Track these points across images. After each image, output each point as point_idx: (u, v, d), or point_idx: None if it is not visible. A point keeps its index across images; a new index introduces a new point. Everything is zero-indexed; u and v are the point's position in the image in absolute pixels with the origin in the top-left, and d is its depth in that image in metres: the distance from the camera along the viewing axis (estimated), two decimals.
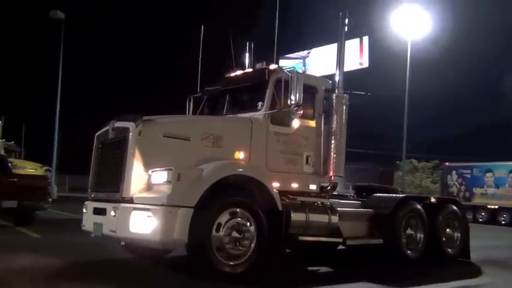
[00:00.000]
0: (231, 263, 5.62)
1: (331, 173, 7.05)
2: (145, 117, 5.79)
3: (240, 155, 6.24)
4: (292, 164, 6.71)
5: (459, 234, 8.43)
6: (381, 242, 7.31)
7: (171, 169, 5.35)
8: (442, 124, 41.70)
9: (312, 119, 7.01)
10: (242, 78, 7.21)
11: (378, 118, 40.96)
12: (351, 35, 40.73)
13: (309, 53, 50.40)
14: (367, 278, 6.15)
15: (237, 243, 5.67)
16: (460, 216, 8.58)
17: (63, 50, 23.88)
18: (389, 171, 43.68)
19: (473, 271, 7.46)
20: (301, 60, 51.96)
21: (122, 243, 5.80)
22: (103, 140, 6.27)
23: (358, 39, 43.97)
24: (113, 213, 5.60)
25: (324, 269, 7.28)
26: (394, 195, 8.45)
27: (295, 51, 50.23)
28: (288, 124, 6.65)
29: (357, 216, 7.59)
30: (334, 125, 7.08)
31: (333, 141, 7.07)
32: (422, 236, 7.81)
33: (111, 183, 5.85)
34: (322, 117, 7.08)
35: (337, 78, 7.39)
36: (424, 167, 40.51)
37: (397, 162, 36.83)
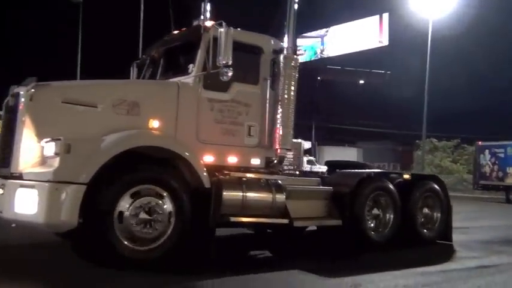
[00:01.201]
0: (143, 248, 4.87)
1: (277, 145, 6.09)
2: (41, 83, 5.01)
3: (160, 124, 5.41)
4: (231, 135, 5.84)
5: (439, 215, 7.36)
6: (340, 224, 6.28)
7: (59, 139, 4.59)
8: (464, 103, 39.52)
9: (255, 83, 6.07)
10: (177, 38, 6.34)
11: (398, 97, 39.28)
12: (371, 12, 39.55)
13: (327, 31, 49.04)
14: (307, 264, 5.23)
15: (148, 226, 4.89)
16: (440, 194, 7.47)
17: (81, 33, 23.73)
18: (409, 150, 42.23)
19: (448, 255, 6.45)
20: (320, 39, 50.66)
21: (13, 225, 5.08)
22: (5, 108, 5.53)
23: (378, 17, 42.47)
24: (0, 191, 4.90)
25: (265, 254, 6.44)
26: (359, 171, 7.25)
27: (314, 30, 48.76)
28: (224, 89, 5.77)
29: (312, 195, 6.55)
30: (281, 92, 6.08)
31: (279, 110, 6.09)
32: (392, 216, 6.71)
33: (2, 157, 5.14)
34: (268, 82, 6.09)
35: (286, 39, 6.33)
36: (444, 146, 38.88)
37: (417, 141, 35.38)
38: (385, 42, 41.35)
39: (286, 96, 6.13)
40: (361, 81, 54.31)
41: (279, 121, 6.09)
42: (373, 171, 7.34)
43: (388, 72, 48.73)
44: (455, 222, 11.30)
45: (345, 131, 45.57)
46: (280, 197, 5.85)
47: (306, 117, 44.81)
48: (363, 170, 7.33)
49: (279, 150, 6.12)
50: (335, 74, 52.60)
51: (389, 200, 6.78)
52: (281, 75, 6.13)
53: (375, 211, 6.71)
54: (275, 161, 6.15)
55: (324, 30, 47.09)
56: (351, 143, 45.69)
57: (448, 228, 7.46)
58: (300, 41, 49.89)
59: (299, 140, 32.87)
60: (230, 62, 5.30)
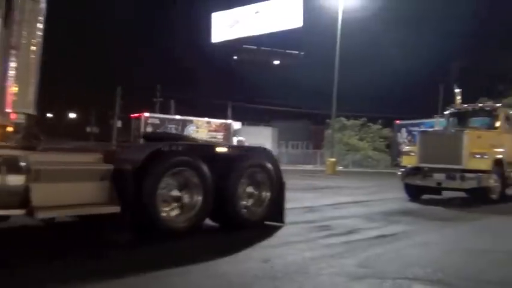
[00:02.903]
0: None
1: (10, 108, 4.71)
2: None
3: None
4: None
5: (268, 193, 6.32)
6: (117, 211, 4.83)
7: None
8: (373, 83, 42.05)
9: None
10: None
11: (311, 77, 40.54)
12: None
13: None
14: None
15: None
16: (269, 170, 6.36)
17: None
18: (321, 129, 44.07)
19: (269, 237, 5.98)
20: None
21: None
22: None
23: None
24: None
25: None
26: (151, 143, 6.26)
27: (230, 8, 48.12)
28: None
29: (80, 175, 4.91)
30: (18, 36, 4.73)
31: (13, 60, 4.69)
32: (200, 198, 5.47)
33: None
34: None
35: None
36: (352, 125, 41.12)
37: (327, 120, 36.97)
38: (299, 23, 42.44)
39: (24, 42, 4.78)
40: (276, 62, 55.18)
41: (12, 74, 4.68)
42: (173, 143, 5.71)
43: (302, 53, 49.99)
44: (359, 196, 12.22)
45: (260, 111, 46.36)
46: (16, 179, 4.30)
47: (222, 97, 44.87)
48: (156, 143, 5.75)
49: (13, 116, 4.79)
50: (251, 54, 52.87)
51: (196, 178, 5.51)
52: (18, 15, 4.76)
53: (175, 193, 5.40)
54: (8, 130, 4.79)
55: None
56: (266, 123, 46.61)
57: (279, 208, 6.51)
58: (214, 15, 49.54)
59: (229, 121, 32.98)
60: None
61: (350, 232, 6.27)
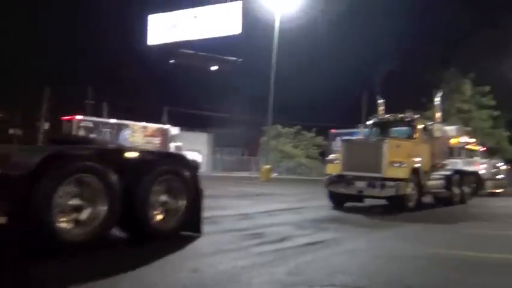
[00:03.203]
0: None
1: None
2: None
3: None
4: None
5: (184, 202, 5.94)
6: (3, 222, 4.35)
7: None
8: (308, 92, 43.20)
9: None
10: None
11: (249, 85, 40.88)
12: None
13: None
14: None
15: None
16: (186, 178, 5.98)
17: None
18: (256, 136, 44.50)
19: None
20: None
21: None
22: None
23: (232, 3, 43.25)
24: None
25: None
26: (51, 146, 5.93)
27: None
28: None
29: None
30: None
31: None
32: (105, 208, 5.01)
33: None
34: None
35: None
36: (287, 133, 41.98)
37: (263, 127, 37.41)
38: (238, 30, 42.67)
39: None
40: (214, 67, 55.10)
41: None
42: (75, 147, 5.52)
43: (240, 59, 50.33)
44: (292, 203, 12.46)
45: (197, 116, 45.96)
46: None
47: (158, 101, 43.98)
48: (64, 146, 5.63)
49: None
50: (188, 58, 52.39)
51: (103, 186, 5.00)
52: None
53: (73, 201, 4.88)
54: None
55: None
56: (202, 128, 46.25)
57: (196, 217, 6.15)
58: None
59: (166, 126, 32.20)
60: None
61: (282, 240, 6.34)
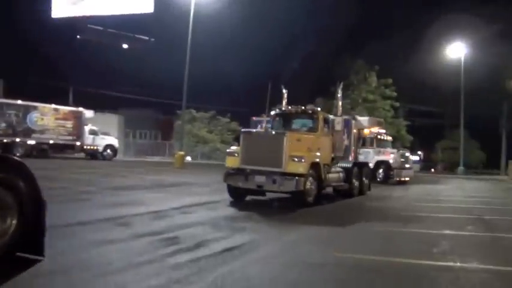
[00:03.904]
0: None
1: None
2: None
3: None
4: None
5: (15, 221, 4.62)
6: None
7: None
8: (223, 76, 42.93)
9: None
10: None
11: (161, 66, 39.55)
12: None
13: None
14: None
15: None
16: (18, 189, 4.65)
17: None
18: (170, 119, 43.52)
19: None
20: None
21: None
22: None
23: None
24: None
25: None
26: None
27: None
28: None
29: None
30: None
31: None
32: None
33: None
34: None
35: None
36: (202, 117, 41.56)
37: (177, 111, 36.64)
38: (150, 9, 40.93)
39: None
40: (125, 46, 52.54)
41: None
42: None
43: (152, 39, 48.48)
44: (205, 196, 12.31)
45: (106, 97, 43.69)
46: None
47: (62, 79, 41.03)
48: None
49: None
50: (97, 35, 49.38)
51: None
52: None
53: None
54: None
55: None
56: (112, 109, 44.12)
57: (36, 237, 4.71)
58: None
59: (79, 108, 29.91)
60: None
61: (198, 246, 6.19)
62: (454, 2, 41.45)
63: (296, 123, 12.46)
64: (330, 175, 12.13)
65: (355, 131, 14.47)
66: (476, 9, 37.31)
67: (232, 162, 11.18)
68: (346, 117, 15.51)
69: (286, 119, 12.57)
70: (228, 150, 11.97)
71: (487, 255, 6.59)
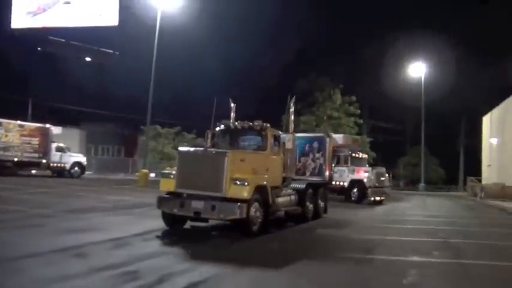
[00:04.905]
0: None
1: None
2: None
3: None
4: None
5: None
6: None
7: None
8: (188, 91, 42.55)
9: None
10: None
11: (126, 80, 38.77)
12: None
13: None
14: None
15: None
16: None
17: None
18: (134, 135, 42.61)
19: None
20: None
21: None
22: None
23: None
24: None
25: None
26: None
27: None
28: None
29: None
30: None
31: None
32: None
33: None
34: None
35: None
36: (167, 133, 40.89)
37: (142, 127, 35.87)
38: (115, 22, 40.24)
39: None
40: (88, 59, 51.40)
41: None
42: None
43: (117, 52, 47.65)
44: None
45: (67, 111, 42.39)
46: None
47: (20, 93, 39.51)
48: None
49: None
50: (58, 47, 48.12)
51: None
52: None
53: None
54: None
55: None
56: (73, 124, 42.79)
57: None
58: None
59: (46, 125, 28.65)
60: None
61: (160, 281, 5.84)
62: (417, 23, 42.81)
63: (244, 141, 11.31)
64: (280, 199, 10.93)
65: (329, 148, 13.95)
66: (437, 30, 38.78)
67: (167, 186, 9.92)
68: (320, 134, 15.33)
69: (232, 136, 11.40)
70: (162, 172, 10.56)
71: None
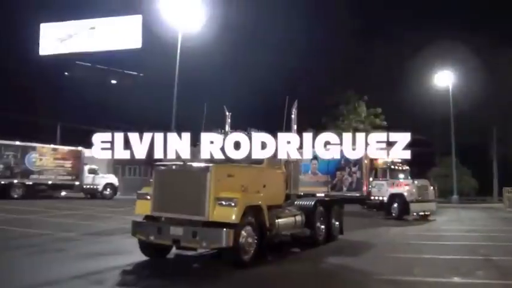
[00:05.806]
0: None
1: None
2: None
3: None
4: None
5: None
6: None
7: None
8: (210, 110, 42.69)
9: None
10: None
11: (150, 99, 39.31)
12: (123, 12, 38.47)
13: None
14: None
15: None
16: None
17: None
18: None
19: None
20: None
21: None
22: None
23: (132, 17, 41.50)
24: None
25: None
26: None
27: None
28: None
29: None
30: None
31: None
32: None
33: None
34: None
35: None
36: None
37: None
38: (138, 44, 40.97)
39: None
40: (114, 81, 52.46)
41: None
42: None
43: (141, 74, 48.46)
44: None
45: (95, 133, 43.02)
46: None
47: (49, 116, 40.42)
48: None
49: None
50: (85, 71, 49.30)
51: None
52: None
53: None
54: None
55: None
56: None
57: None
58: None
59: (79, 148, 29.21)
60: None
61: None
62: (442, 31, 41.87)
63: None
64: (282, 220, 9.18)
65: (366, 161, 13.14)
66: (463, 38, 37.74)
67: (142, 209, 8.44)
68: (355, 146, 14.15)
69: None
70: (138, 192, 8.80)
71: None
